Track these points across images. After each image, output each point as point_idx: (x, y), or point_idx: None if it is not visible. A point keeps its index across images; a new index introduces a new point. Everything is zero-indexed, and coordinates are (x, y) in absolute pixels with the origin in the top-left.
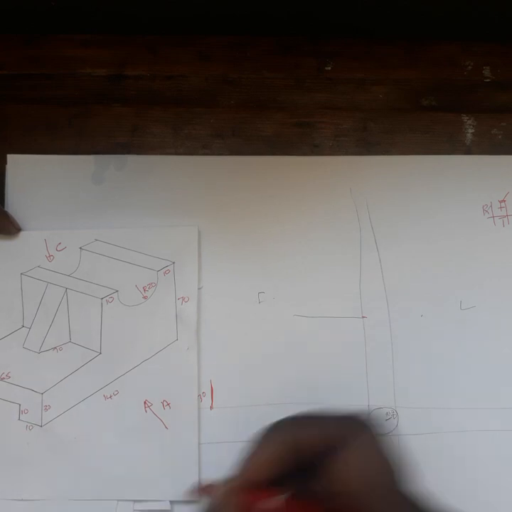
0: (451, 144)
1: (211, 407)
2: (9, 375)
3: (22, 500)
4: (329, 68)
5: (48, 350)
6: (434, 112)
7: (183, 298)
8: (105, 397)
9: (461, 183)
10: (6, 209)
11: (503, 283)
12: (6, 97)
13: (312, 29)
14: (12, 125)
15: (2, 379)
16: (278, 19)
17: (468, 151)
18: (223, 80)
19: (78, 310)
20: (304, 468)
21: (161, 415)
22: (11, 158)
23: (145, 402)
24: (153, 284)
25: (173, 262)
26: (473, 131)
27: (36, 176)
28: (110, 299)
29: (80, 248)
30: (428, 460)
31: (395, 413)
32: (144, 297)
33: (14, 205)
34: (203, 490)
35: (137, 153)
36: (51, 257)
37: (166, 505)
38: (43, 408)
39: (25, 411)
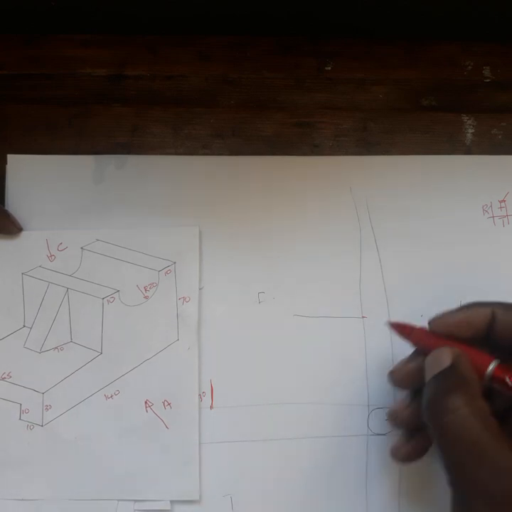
0: (451, 144)
1: (211, 407)
2: (10, 374)
3: (22, 500)
4: (329, 68)
5: (49, 350)
6: (434, 112)
7: (184, 298)
8: (106, 397)
9: (461, 183)
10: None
11: (503, 283)
12: (6, 97)
13: (312, 29)
14: (12, 125)
15: (3, 379)
16: (278, 19)
17: (468, 151)
18: (223, 79)
19: (79, 310)
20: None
21: (161, 415)
22: (11, 158)
23: (146, 402)
24: (155, 284)
25: (175, 262)
26: (473, 131)
27: (36, 176)
28: (111, 299)
29: (82, 248)
30: (428, 459)
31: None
32: (145, 297)
33: (14, 205)
34: (401, 328)
35: (137, 153)
36: (52, 257)
37: (167, 505)
38: (44, 408)
39: (26, 411)
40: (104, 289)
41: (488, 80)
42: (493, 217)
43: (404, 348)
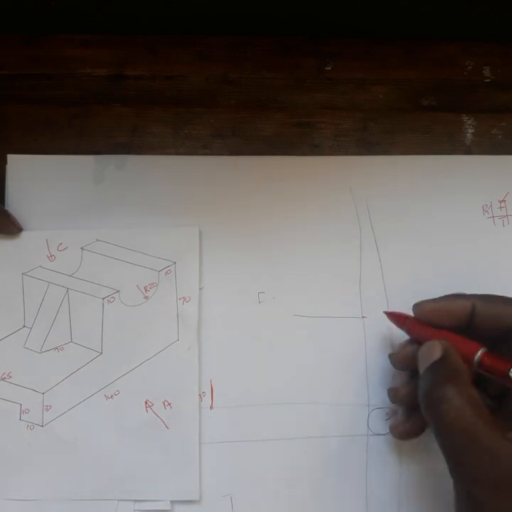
0: (451, 144)
1: (211, 407)
2: (10, 375)
3: (22, 500)
4: (329, 68)
5: (49, 350)
6: (434, 112)
7: (184, 298)
8: (106, 397)
9: (461, 183)
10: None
11: (503, 283)
12: (6, 97)
13: (312, 29)
14: (12, 125)
15: (3, 379)
16: (278, 19)
17: (468, 151)
18: (223, 79)
19: (79, 310)
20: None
21: (162, 415)
22: (11, 158)
23: (146, 402)
24: (155, 284)
25: (175, 262)
26: (473, 131)
27: (36, 176)
28: (111, 299)
29: (82, 248)
30: (428, 459)
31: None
32: (145, 297)
33: (14, 205)
34: (396, 317)
35: (137, 153)
36: (52, 257)
37: (167, 505)
38: (44, 408)
39: (26, 411)
40: (104, 289)
41: (488, 80)
42: (493, 217)
43: None
